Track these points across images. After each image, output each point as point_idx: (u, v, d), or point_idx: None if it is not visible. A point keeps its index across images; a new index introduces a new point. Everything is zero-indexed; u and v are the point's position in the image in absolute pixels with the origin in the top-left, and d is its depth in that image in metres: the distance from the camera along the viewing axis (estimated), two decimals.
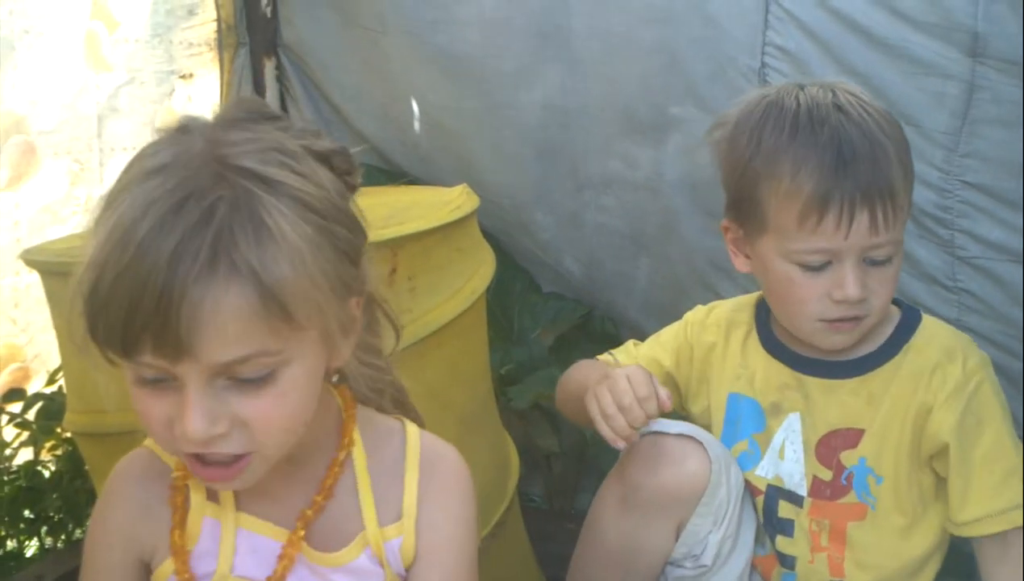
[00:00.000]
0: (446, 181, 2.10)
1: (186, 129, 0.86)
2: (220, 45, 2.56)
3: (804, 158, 1.28)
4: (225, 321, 0.78)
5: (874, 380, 1.37)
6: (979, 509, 1.30)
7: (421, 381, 1.49)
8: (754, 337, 1.47)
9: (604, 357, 1.56)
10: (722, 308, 1.55)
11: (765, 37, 1.93)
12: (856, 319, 1.31)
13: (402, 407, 1.11)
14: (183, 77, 2.49)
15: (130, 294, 0.77)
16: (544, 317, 2.43)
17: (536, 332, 2.42)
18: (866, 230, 1.26)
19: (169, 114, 2.46)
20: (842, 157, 1.27)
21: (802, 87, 1.36)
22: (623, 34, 2.10)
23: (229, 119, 0.88)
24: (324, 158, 0.89)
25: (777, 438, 1.42)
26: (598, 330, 2.45)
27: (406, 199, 1.79)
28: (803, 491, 1.40)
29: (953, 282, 1.86)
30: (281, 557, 0.96)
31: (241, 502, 0.97)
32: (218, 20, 2.55)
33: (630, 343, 1.59)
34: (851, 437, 1.37)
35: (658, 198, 2.20)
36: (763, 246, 1.34)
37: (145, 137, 2.33)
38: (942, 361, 1.34)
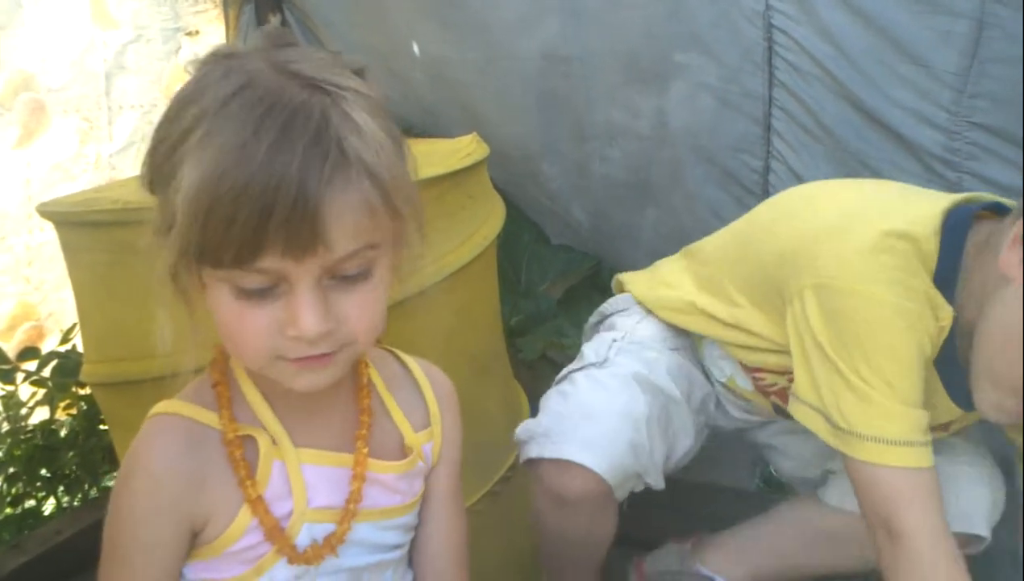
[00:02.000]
0: (453, 134, 2.09)
1: (229, 55, 0.88)
2: (225, 2, 2.57)
3: None
4: (351, 216, 0.83)
5: None
6: None
7: (434, 326, 1.51)
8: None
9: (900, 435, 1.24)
10: (934, 289, 1.27)
11: None
12: None
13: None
14: (189, 34, 2.49)
15: (262, 202, 0.79)
16: (553, 269, 2.44)
17: (544, 285, 2.43)
18: None
19: (176, 71, 2.46)
20: None
21: None
22: None
23: (264, 47, 0.88)
24: (359, 73, 0.92)
25: None
26: (607, 282, 2.45)
27: (417, 149, 1.78)
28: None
29: None
30: (354, 477, 1.00)
31: (295, 439, 0.99)
32: None
33: (893, 395, 1.24)
34: None
35: (662, 148, 2.19)
36: None
37: (154, 94, 2.40)
38: None
